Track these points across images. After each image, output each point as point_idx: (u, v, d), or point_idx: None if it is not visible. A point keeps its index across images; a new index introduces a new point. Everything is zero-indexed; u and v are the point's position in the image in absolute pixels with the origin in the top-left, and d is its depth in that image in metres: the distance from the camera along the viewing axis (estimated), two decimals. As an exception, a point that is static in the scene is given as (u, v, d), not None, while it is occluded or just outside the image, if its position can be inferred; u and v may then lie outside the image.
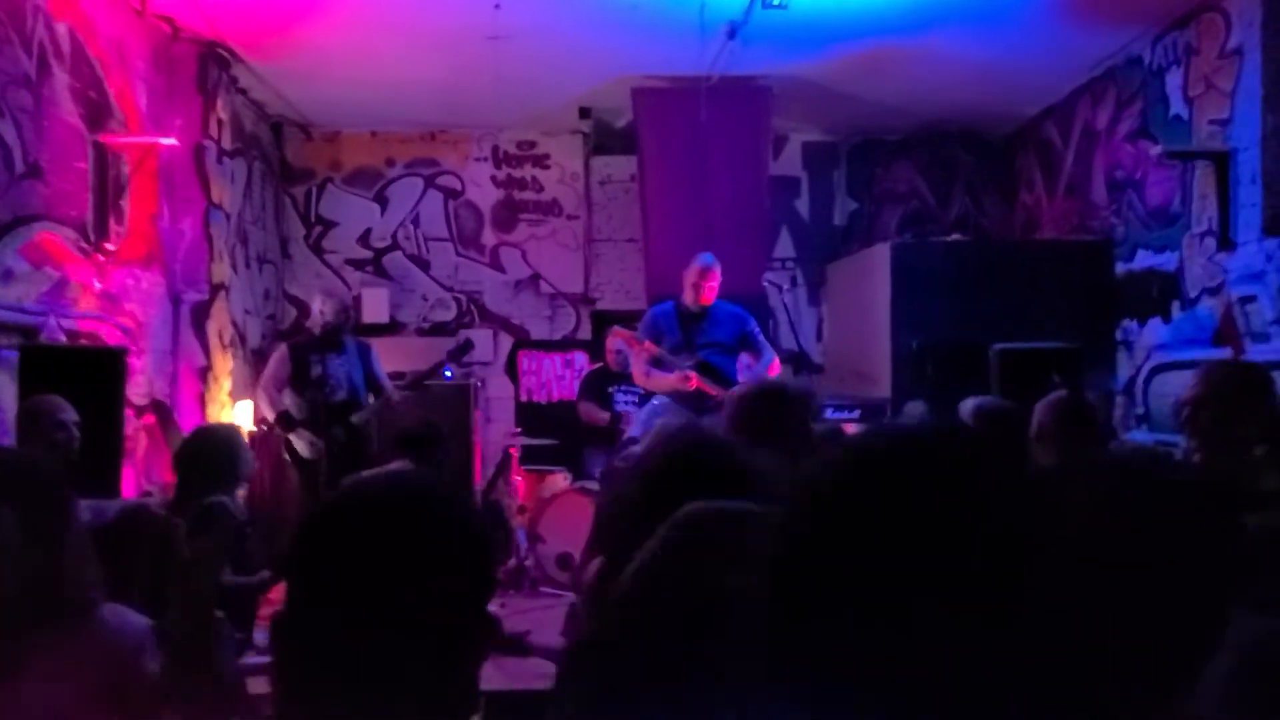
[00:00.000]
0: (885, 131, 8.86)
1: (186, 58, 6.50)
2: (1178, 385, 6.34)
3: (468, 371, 8.12)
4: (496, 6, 6.00)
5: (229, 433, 4.17)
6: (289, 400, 5.79)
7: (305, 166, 8.67)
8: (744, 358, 5.75)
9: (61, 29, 5.14)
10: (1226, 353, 6.00)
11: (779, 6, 5.42)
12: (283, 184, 8.60)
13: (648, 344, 5.57)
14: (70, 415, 3.66)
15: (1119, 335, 7.11)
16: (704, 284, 5.57)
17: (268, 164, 8.33)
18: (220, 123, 6.89)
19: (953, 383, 5.74)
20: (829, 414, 6.18)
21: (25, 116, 4.78)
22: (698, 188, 7.58)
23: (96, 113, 5.48)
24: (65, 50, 5.18)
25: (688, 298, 5.61)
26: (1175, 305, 6.54)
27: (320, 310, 5.97)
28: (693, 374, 5.34)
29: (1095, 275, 7.13)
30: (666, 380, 5.50)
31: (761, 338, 5.78)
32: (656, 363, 5.57)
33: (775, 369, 5.72)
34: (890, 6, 6.10)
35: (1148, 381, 6.85)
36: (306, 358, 5.77)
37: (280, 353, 5.99)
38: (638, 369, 5.73)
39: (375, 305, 8.44)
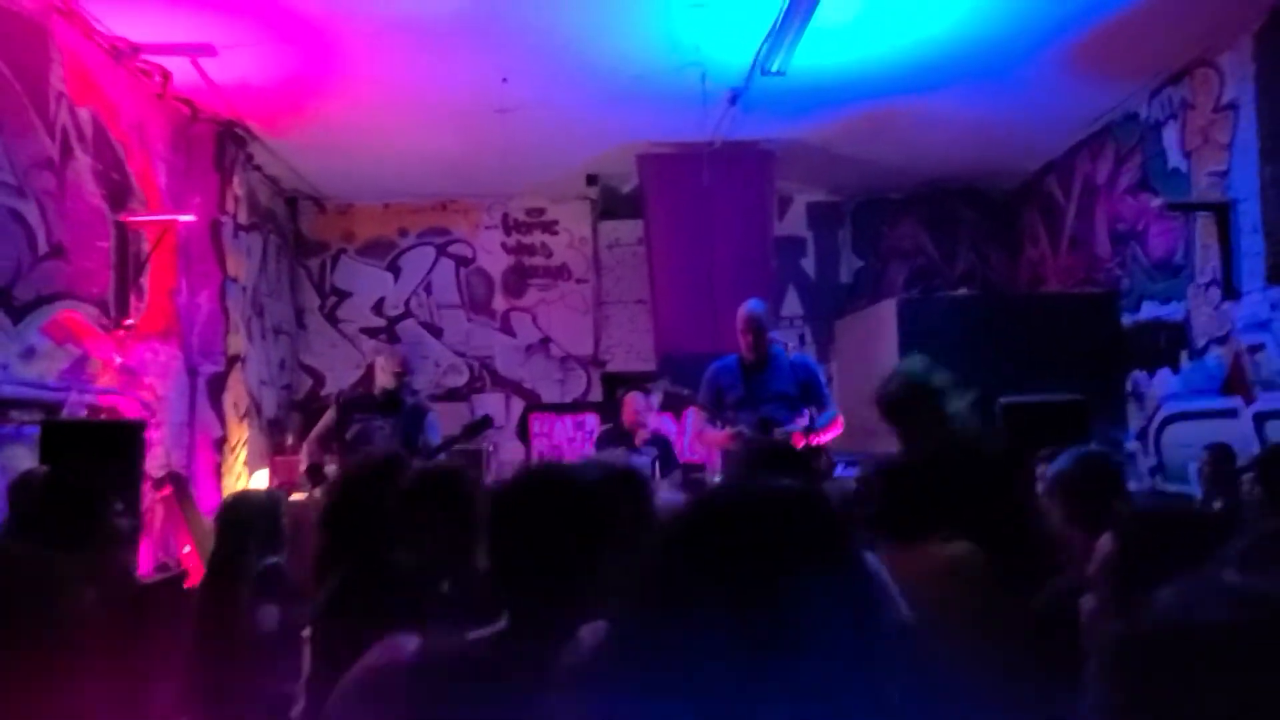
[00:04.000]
0: (889, 190, 8.99)
1: (205, 137, 6.70)
2: (1190, 436, 6.40)
3: (480, 436, 8.16)
4: (504, 80, 6.18)
5: (270, 496, 4.16)
6: (329, 457, 5.69)
7: (319, 239, 8.85)
8: (808, 411, 5.26)
9: (84, 114, 5.33)
10: (1237, 402, 6.02)
11: (778, 73, 5.56)
12: (298, 256, 8.77)
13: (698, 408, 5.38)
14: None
15: (1128, 386, 7.11)
16: (744, 335, 5.22)
17: (283, 237, 8.51)
18: (237, 199, 7.06)
19: (964, 437, 5.74)
20: (839, 470, 6.13)
21: (49, 199, 4.94)
22: (704, 249, 7.69)
23: (118, 193, 5.65)
24: (88, 134, 5.36)
25: (742, 349, 5.27)
26: (1184, 355, 6.56)
27: (384, 369, 5.83)
28: (743, 432, 5.03)
29: (1102, 327, 7.15)
30: (718, 437, 5.25)
31: (826, 390, 5.46)
32: (712, 421, 5.32)
33: (839, 425, 5.29)
34: (887, 70, 6.24)
35: (1159, 432, 6.84)
36: (350, 417, 5.65)
37: (331, 410, 5.91)
38: (695, 426, 5.51)
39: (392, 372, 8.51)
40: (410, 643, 1.50)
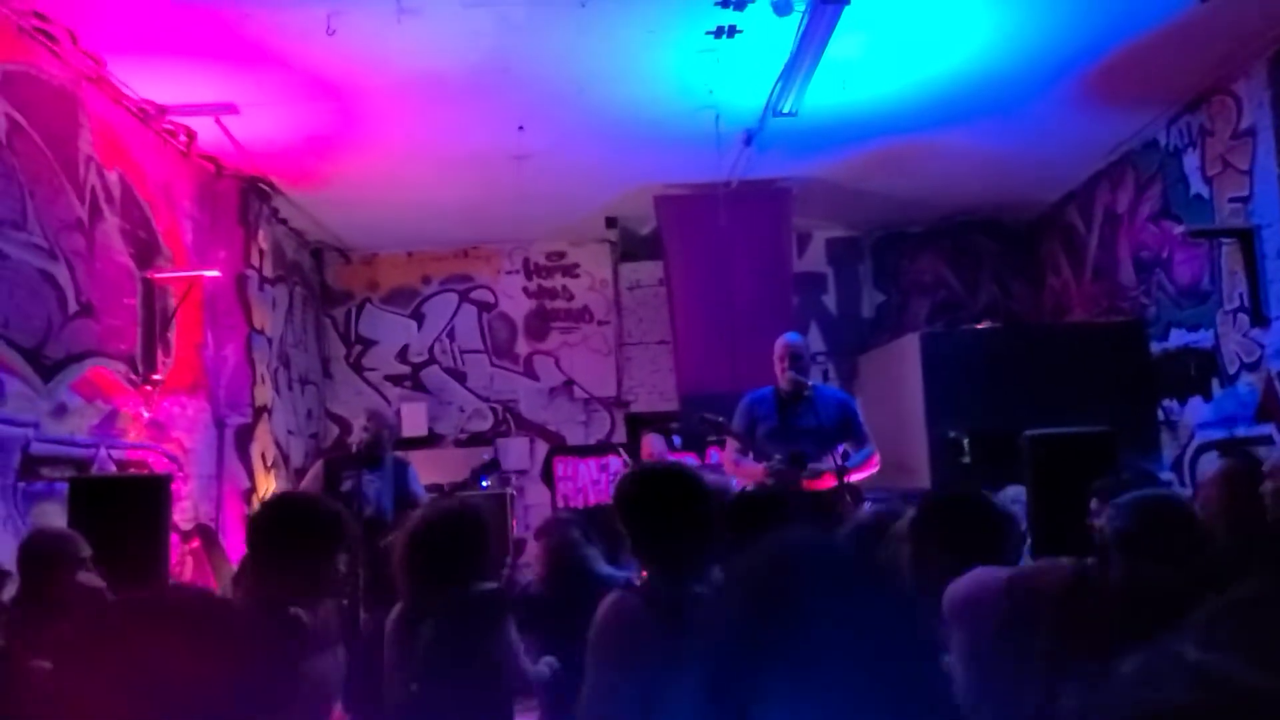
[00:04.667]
0: (908, 224, 8.99)
1: (229, 193, 6.83)
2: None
3: (505, 479, 8.19)
4: (520, 129, 6.28)
5: None
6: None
7: (344, 288, 8.97)
8: (841, 446, 5.14)
9: (113, 176, 5.46)
10: (1271, 429, 5.92)
11: (789, 114, 5.60)
12: (323, 306, 8.89)
13: (730, 443, 5.30)
14: (87, 551, 3.61)
15: (1160, 415, 7.01)
16: (780, 364, 5.14)
17: (308, 288, 8.63)
18: (262, 252, 7.18)
19: (993, 471, 5.67)
20: (868, 506, 6.05)
21: (78, 259, 5.05)
22: (723, 288, 7.71)
23: (145, 251, 5.77)
24: (116, 195, 5.49)
25: (779, 380, 5.18)
26: (1215, 382, 6.47)
27: (363, 427, 5.96)
28: (778, 467, 4.92)
29: (1131, 356, 7.04)
30: (753, 470, 5.10)
31: (865, 428, 5.26)
32: (744, 452, 5.21)
33: (874, 463, 5.17)
34: (900, 107, 6.27)
35: (1194, 460, 6.73)
36: (339, 474, 5.73)
37: (315, 469, 5.98)
38: (728, 457, 5.45)
39: (414, 419, 8.60)
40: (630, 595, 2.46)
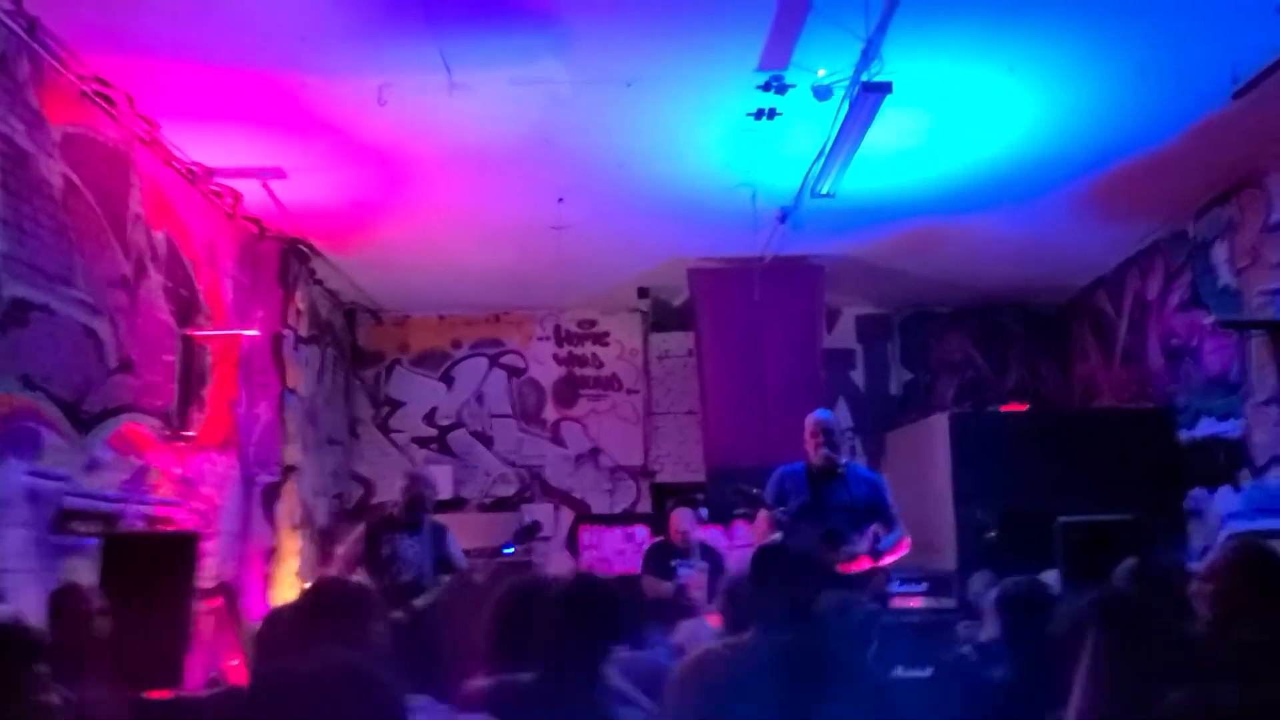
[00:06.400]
0: (937, 304, 9.03)
1: (270, 254, 6.95)
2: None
3: (529, 547, 8.13)
4: (560, 200, 6.39)
5: None
6: (362, 580, 5.73)
7: (375, 349, 9.06)
8: (872, 527, 5.23)
9: (159, 236, 5.57)
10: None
11: (827, 195, 5.67)
12: (353, 367, 8.97)
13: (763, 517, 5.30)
14: (96, 604, 3.59)
15: (1188, 504, 6.94)
16: (812, 440, 5.22)
17: (339, 349, 8.71)
18: (298, 312, 7.29)
19: (1019, 554, 5.62)
20: (895, 587, 6.00)
21: (121, 315, 5.13)
22: (753, 362, 7.74)
23: (186, 309, 5.86)
24: (161, 253, 5.60)
25: (811, 456, 5.25)
26: (1244, 473, 6.41)
27: (402, 489, 5.89)
28: (780, 517, 5.04)
29: (1158, 443, 7.03)
30: (758, 525, 5.26)
31: (894, 509, 5.32)
32: (777, 526, 5.20)
33: (905, 546, 5.21)
34: (936, 192, 6.37)
35: (1224, 552, 6.63)
36: (379, 537, 5.72)
37: (358, 532, 5.94)
38: (759, 529, 5.48)
39: (439, 482, 8.56)
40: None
